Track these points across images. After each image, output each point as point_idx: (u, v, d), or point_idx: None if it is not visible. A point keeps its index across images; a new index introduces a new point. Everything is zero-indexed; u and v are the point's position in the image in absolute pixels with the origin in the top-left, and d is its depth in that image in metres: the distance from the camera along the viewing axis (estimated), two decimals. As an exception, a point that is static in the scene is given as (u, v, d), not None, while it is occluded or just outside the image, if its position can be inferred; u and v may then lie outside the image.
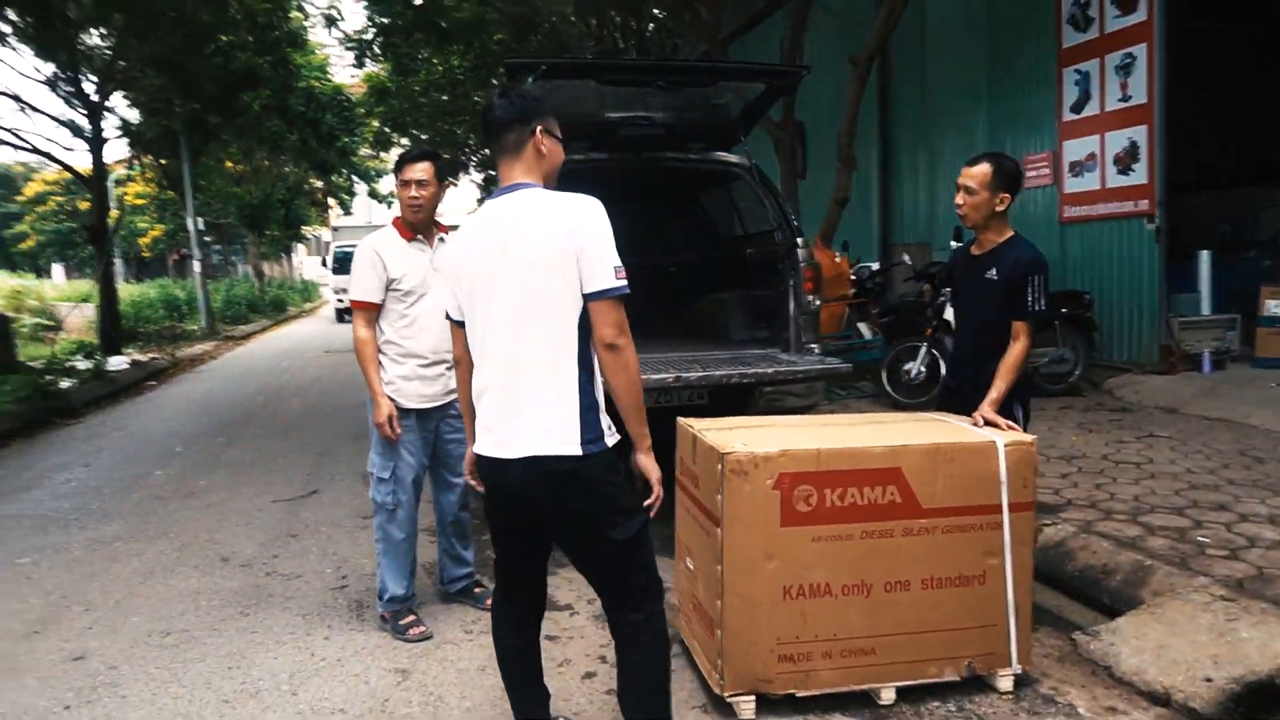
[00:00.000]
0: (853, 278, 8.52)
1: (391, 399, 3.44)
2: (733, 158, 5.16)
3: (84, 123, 13.57)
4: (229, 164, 27.68)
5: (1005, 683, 2.91)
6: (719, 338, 5.79)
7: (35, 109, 13.39)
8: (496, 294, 2.24)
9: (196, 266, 19.23)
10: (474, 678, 3.12)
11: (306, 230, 40.99)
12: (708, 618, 2.88)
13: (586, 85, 4.61)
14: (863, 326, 8.55)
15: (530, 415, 2.21)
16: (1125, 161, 7.42)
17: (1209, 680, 2.83)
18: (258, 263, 30.54)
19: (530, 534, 2.41)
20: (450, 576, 3.79)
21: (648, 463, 2.31)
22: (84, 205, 25.11)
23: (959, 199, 3.33)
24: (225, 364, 14.36)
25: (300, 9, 16.99)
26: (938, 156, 10.06)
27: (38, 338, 16.07)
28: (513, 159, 2.30)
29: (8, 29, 11.88)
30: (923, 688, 2.88)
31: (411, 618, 3.52)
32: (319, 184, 33.87)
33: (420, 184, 3.45)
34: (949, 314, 7.06)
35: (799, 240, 4.82)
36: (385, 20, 15.64)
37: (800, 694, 2.81)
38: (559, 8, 15.48)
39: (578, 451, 2.19)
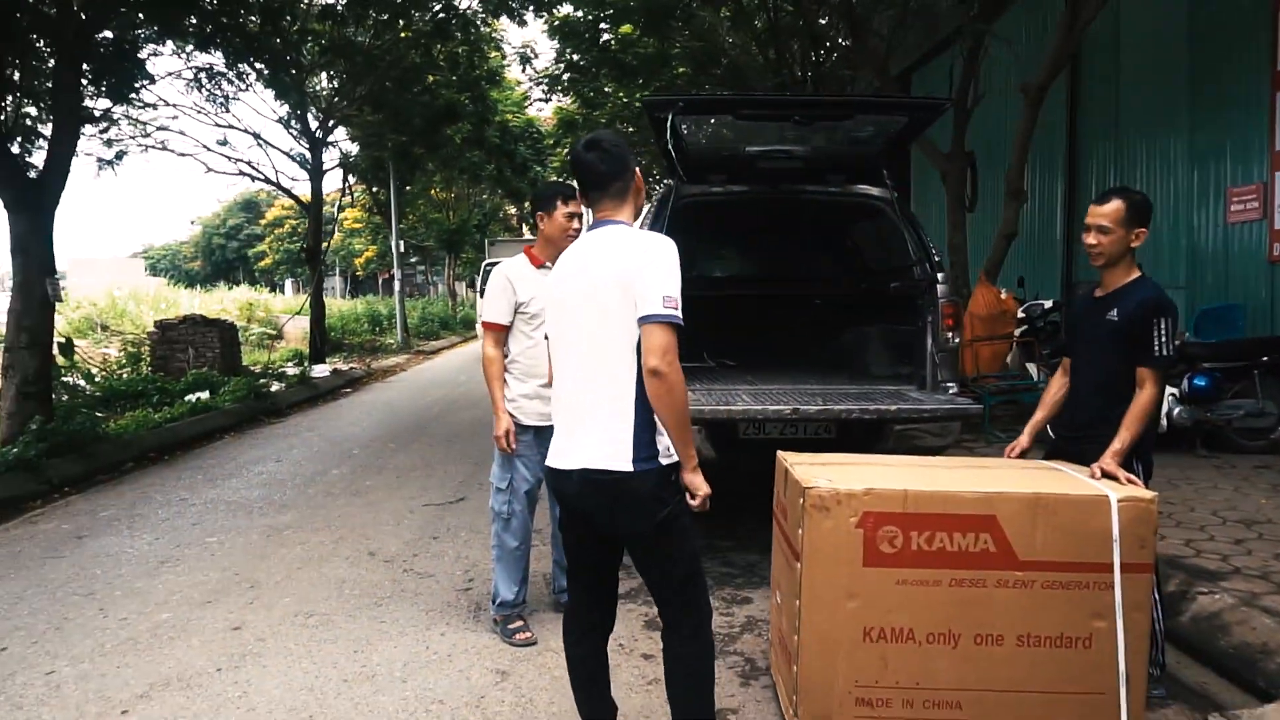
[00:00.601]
0: (1021, 315, 8.05)
1: (512, 415, 3.68)
2: (875, 190, 5.08)
3: (308, 155, 15.26)
4: (434, 191, 30.09)
5: (1113, 760, 2.69)
6: (860, 372, 5.68)
7: (270, 144, 15.19)
8: (573, 318, 2.44)
9: (396, 285, 20.96)
10: (566, 685, 3.21)
11: (500, 254, 43.69)
12: (787, 652, 2.87)
13: (725, 120, 4.72)
14: (1031, 367, 8.06)
15: (589, 431, 2.38)
16: (1349, 195, 6.60)
17: (1360, 785, 2.49)
18: (452, 283, 32.75)
19: (595, 544, 2.54)
20: (561, 587, 3.96)
21: (694, 479, 2.39)
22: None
23: (1091, 239, 3.14)
24: (413, 375, 15.56)
25: (498, 49, 18.25)
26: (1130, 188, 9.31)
27: (262, 345, 18.12)
28: (617, 201, 2.48)
29: (253, 75, 13.63)
30: (1016, 752, 2.72)
31: (519, 623, 3.72)
32: (513, 210, 36.09)
33: (580, 217, 3.69)
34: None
35: (939, 276, 4.67)
36: (575, 57, 16.54)
37: (879, 742, 2.73)
38: (739, 41, 15.73)
39: (628, 468, 2.32)
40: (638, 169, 2.52)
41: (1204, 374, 6.47)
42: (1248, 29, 7.50)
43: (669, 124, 4.46)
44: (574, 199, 3.67)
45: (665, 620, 2.52)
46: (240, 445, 8.61)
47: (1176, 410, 6.50)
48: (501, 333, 3.75)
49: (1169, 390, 6.57)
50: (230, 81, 12.67)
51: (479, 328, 16.06)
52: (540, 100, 17.99)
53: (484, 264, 15.91)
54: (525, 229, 38.54)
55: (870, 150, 4.98)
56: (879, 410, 4.18)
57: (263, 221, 53.10)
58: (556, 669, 3.39)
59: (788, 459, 3.08)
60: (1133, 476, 2.87)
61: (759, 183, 5.18)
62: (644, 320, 2.27)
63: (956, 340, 4.68)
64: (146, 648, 3.68)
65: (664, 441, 2.38)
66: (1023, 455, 3.41)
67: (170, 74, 12.51)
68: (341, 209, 17.73)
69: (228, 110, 13.39)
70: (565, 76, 17.40)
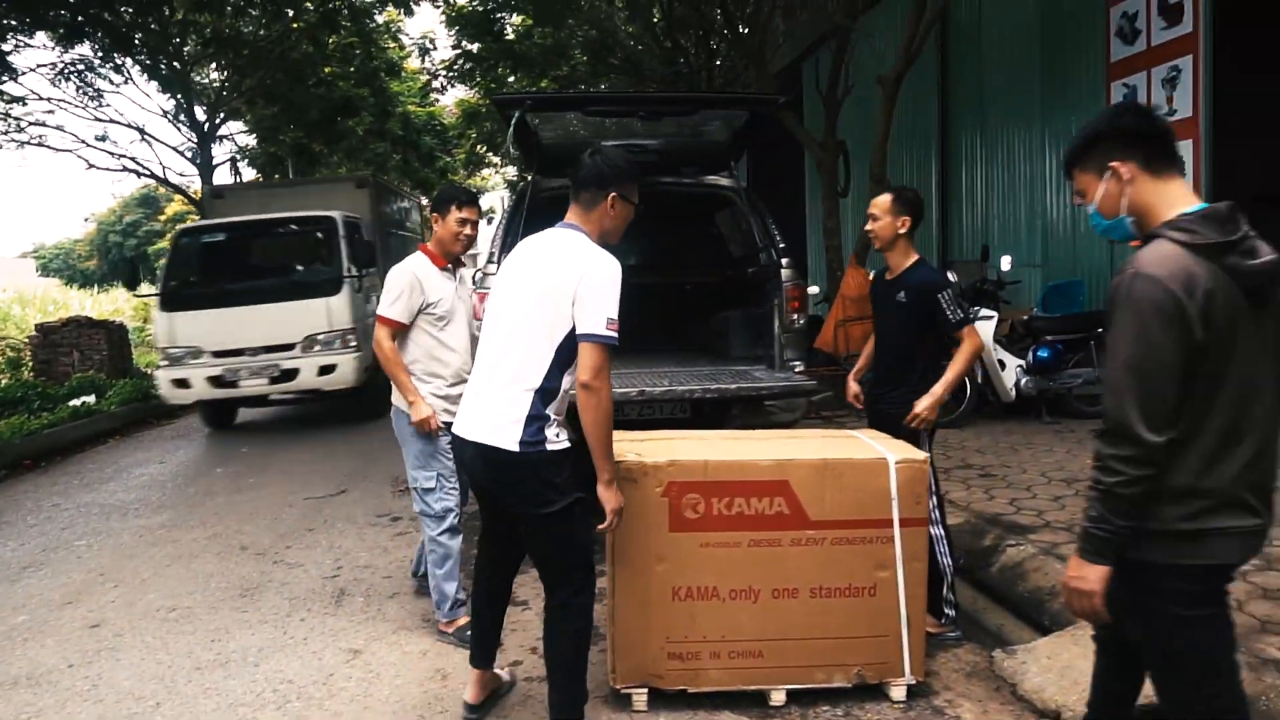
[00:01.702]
0: (891, 296, 8.48)
1: None
2: (725, 181, 5.35)
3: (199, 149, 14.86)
4: (343, 184, 29.45)
5: (898, 692, 3.00)
6: (723, 354, 5.97)
7: (155, 139, 14.75)
8: (510, 301, 2.66)
9: (300, 281, 20.49)
10: (414, 660, 3.43)
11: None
12: (610, 613, 3.10)
13: (578, 116, 4.90)
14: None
15: (489, 409, 2.59)
16: (1171, 177, 7.18)
17: (1100, 701, 2.85)
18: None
19: (495, 515, 2.82)
20: (421, 570, 4.11)
21: (605, 493, 2.62)
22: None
23: (867, 225, 3.62)
24: (316, 372, 15.32)
25: (395, 39, 18.02)
26: (992, 174, 9.90)
27: (161, 346, 17.52)
28: (583, 209, 2.69)
29: (134, 67, 13.21)
30: (815, 692, 3.01)
31: (465, 620, 3.53)
32: (424, 200, 35.59)
33: (473, 223, 3.76)
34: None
35: (783, 261, 4.97)
36: (473, 47, 16.46)
37: (692, 690, 2.99)
38: (634, 31, 15.92)
39: (514, 448, 2.52)
40: (618, 197, 2.64)
41: (1046, 346, 6.99)
42: (1087, 23, 8.05)
43: (517, 121, 4.62)
44: (469, 205, 3.72)
45: (546, 592, 2.73)
46: (124, 448, 8.46)
47: (1023, 380, 7.00)
48: (399, 330, 3.62)
49: (1016, 362, 7.07)
50: (101, 76, 12.24)
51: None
52: (436, 92, 17.79)
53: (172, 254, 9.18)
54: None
55: (718, 143, 5.24)
56: (720, 389, 4.45)
57: (162, 217, 50.91)
58: (408, 645, 3.57)
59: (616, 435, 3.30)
60: (910, 433, 3.25)
61: None
62: (585, 338, 2.48)
63: (801, 321, 4.98)
64: (-1, 650, 3.71)
65: (553, 430, 2.56)
66: (857, 397, 3.79)
67: (41, 66, 11.99)
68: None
69: (100, 105, 12.81)
70: (464, 65, 17.32)
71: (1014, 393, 7.04)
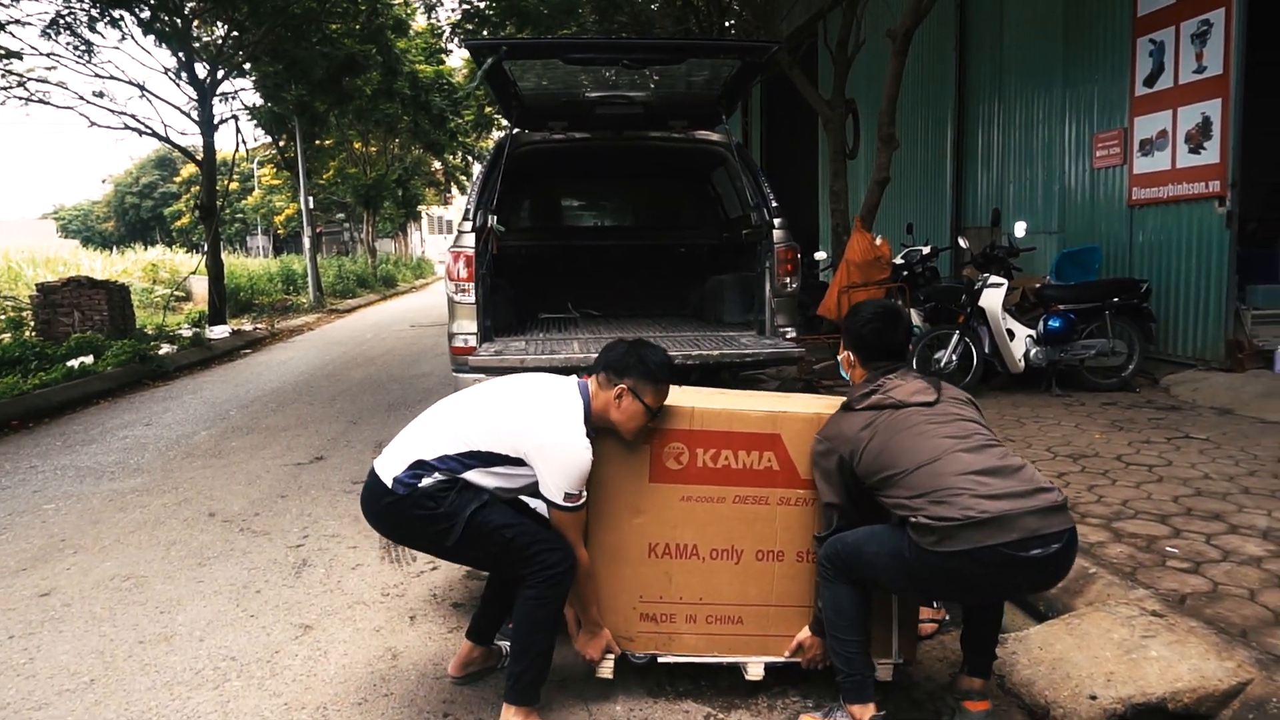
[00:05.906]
0: (900, 261, 8.17)
1: None
2: (716, 136, 5.05)
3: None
4: (357, 146, 29.19)
5: (883, 672, 2.75)
6: (716, 320, 5.71)
7: (156, 96, 14.45)
8: (485, 397, 2.70)
9: (306, 243, 20.34)
10: (365, 636, 3.25)
11: (424, 209, 42.85)
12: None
13: (564, 66, 4.61)
14: (914, 313, 8.20)
15: (400, 454, 2.58)
16: (1197, 139, 6.80)
17: (1093, 699, 2.62)
18: (371, 239, 31.99)
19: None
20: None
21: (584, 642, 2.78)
22: (234, 186, 27.11)
23: None
24: (319, 335, 15.19)
25: (401, -4, 17.58)
26: (1010, 137, 9.50)
27: (170, 307, 17.46)
28: (598, 386, 2.67)
29: (131, 20, 12.87)
30: (795, 670, 2.78)
31: None
32: (437, 165, 35.20)
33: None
34: (985, 300, 6.71)
35: (776, 221, 4.68)
36: (479, 4, 16.02)
37: (663, 658, 2.78)
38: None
39: (389, 484, 2.54)
40: (628, 391, 2.61)
41: (1058, 315, 6.67)
42: (1113, -25, 7.62)
43: (494, 69, 4.34)
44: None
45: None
46: (114, 410, 8.32)
47: (1033, 351, 6.70)
48: None
49: (1026, 331, 6.77)
50: (94, 29, 11.92)
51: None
52: (443, 52, 17.35)
53: None
54: (454, 187, 37.48)
55: (710, 95, 4.93)
56: (701, 355, 4.20)
57: (178, 179, 50.95)
58: (360, 621, 3.39)
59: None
60: None
61: (602, 129, 5.10)
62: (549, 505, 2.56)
63: (794, 286, 4.71)
64: (-58, 619, 3.56)
65: (429, 480, 2.49)
66: None
67: (31, 17, 11.60)
68: (235, 165, 16.70)
69: (90, 59, 12.44)
70: (471, 24, 16.89)
71: (1023, 364, 6.75)
